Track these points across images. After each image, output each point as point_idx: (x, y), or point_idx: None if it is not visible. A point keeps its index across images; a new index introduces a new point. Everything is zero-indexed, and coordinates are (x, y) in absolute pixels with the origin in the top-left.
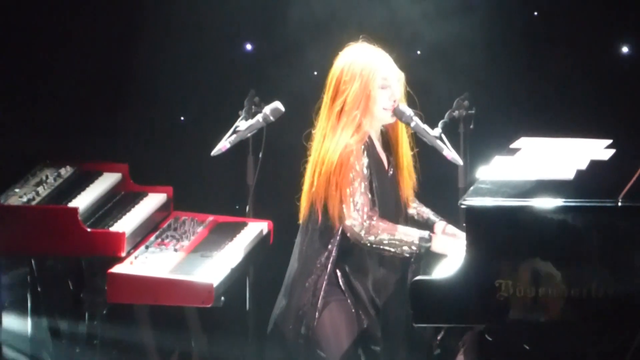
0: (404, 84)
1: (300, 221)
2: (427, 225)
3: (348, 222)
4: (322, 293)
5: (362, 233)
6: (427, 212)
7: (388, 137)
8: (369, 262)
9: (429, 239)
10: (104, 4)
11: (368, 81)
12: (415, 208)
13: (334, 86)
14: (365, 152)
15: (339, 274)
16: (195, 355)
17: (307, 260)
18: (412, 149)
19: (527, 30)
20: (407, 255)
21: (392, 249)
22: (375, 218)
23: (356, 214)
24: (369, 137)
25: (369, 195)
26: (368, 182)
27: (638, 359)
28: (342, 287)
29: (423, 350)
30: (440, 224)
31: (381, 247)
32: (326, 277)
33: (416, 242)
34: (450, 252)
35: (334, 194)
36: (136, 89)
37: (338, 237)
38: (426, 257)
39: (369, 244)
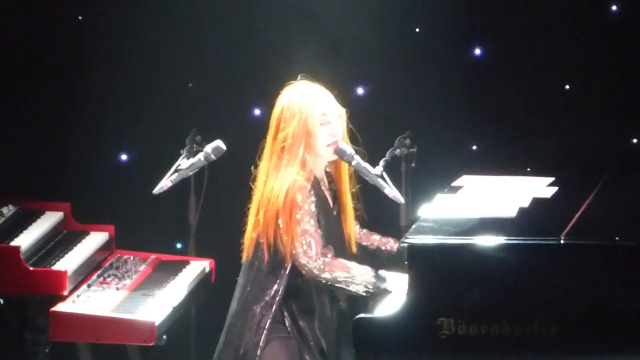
0: (346, 120)
1: (243, 260)
2: (400, 257)
3: (303, 261)
4: (265, 331)
5: (317, 271)
6: (395, 244)
7: (332, 176)
8: (316, 302)
9: (385, 278)
10: (48, 38)
11: (307, 117)
12: (384, 243)
13: (275, 125)
14: (313, 191)
15: (285, 312)
16: None
17: (251, 299)
18: (353, 187)
19: (469, 68)
20: (363, 293)
21: (348, 287)
22: (329, 255)
23: (310, 252)
24: (314, 177)
25: (320, 232)
26: (316, 220)
27: None
28: (288, 326)
29: None
30: None
31: (337, 284)
32: (271, 315)
33: (372, 280)
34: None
35: (284, 231)
36: (77, 127)
37: (285, 276)
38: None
39: (324, 282)
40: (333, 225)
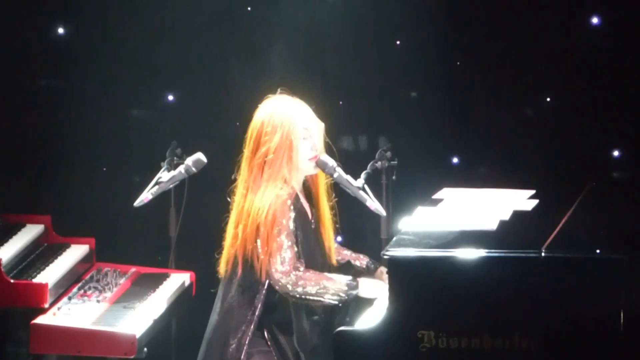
0: (324, 134)
1: (221, 275)
2: (368, 272)
3: (276, 276)
4: (245, 347)
5: (290, 286)
6: (364, 260)
7: (310, 189)
8: (293, 317)
9: (356, 285)
10: (25, 54)
11: (289, 132)
12: (355, 259)
13: (255, 138)
14: (292, 206)
15: (264, 328)
16: None
17: (231, 314)
18: (330, 200)
19: (450, 81)
20: (336, 303)
21: (321, 299)
22: (301, 269)
23: (282, 267)
24: (295, 191)
25: (295, 249)
26: (294, 236)
27: None
28: (268, 341)
29: None
30: (383, 269)
31: (309, 297)
32: (250, 332)
33: (344, 288)
34: (379, 295)
35: (262, 246)
36: (58, 140)
37: (264, 292)
38: (353, 305)
39: (297, 296)
40: (311, 239)
